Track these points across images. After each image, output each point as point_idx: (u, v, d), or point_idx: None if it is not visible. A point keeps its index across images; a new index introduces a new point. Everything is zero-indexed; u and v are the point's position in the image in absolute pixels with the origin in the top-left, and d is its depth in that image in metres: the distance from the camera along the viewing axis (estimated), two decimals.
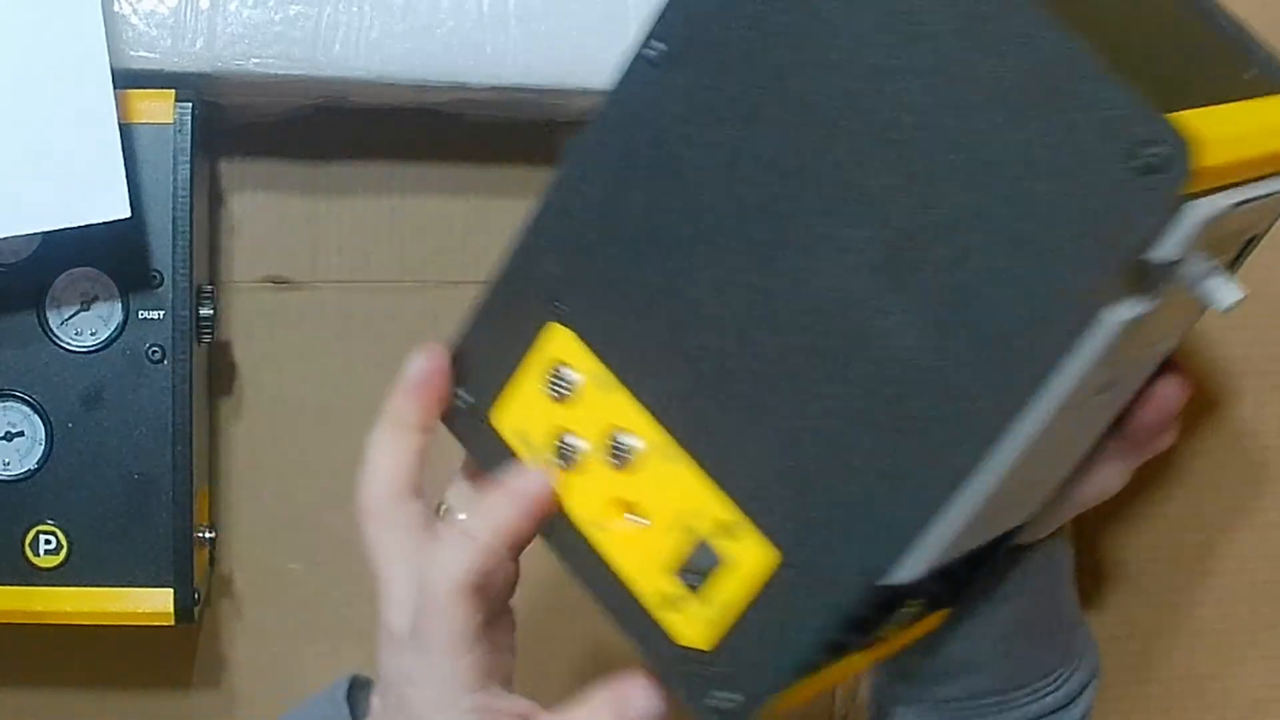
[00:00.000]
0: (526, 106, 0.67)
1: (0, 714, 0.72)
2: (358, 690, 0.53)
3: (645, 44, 0.41)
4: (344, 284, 0.72)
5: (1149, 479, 0.76)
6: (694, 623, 0.43)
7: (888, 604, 0.46)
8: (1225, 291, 0.37)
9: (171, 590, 0.63)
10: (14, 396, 0.62)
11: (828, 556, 0.40)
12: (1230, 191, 0.38)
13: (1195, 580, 0.81)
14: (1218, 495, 0.79)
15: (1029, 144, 0.36)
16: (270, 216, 0.71)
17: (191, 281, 0.62)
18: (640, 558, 0.44)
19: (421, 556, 0.47)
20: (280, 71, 0.60)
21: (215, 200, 0.70)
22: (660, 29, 0.41)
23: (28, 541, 0.62)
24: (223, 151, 0.70)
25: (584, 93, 0.63)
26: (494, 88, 0.62)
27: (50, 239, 0.60)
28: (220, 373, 0.71)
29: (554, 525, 0.46)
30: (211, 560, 0.69)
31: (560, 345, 0.44)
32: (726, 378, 0.41)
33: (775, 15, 0.40)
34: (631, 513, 0.44)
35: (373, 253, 0.72)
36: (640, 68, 0.41)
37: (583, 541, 0.45)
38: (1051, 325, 0.36)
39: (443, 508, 0.49)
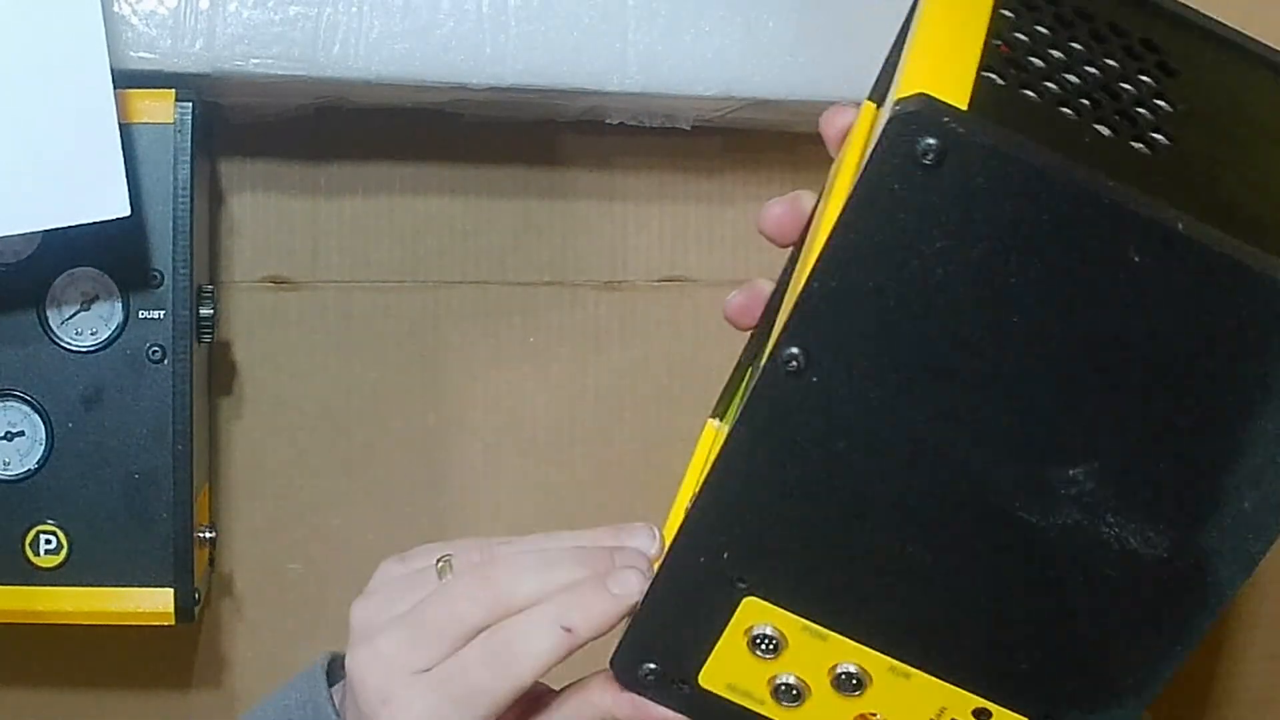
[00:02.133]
0: (526, 106, 0.67)
1: (0, 714, 0.72)
2: (337, 667, 0.53)
3: (781, 354, 0.40)
4: (344, 284, 0.72)
5: None
6: None
7: None
8: None
9: (171, 590, 0.63)
10: (14, 396, 0.62)
11: (1085, 716, 0.43)
12: None
13: None
14: None
15: (1221, 354, 0.37)
16: (270, 216, 0.71)
17: (192, 281, 0.62)
18: None
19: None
20: (280, 72, 0.61)
21: (215, 200, 0.70)
22: (794, 337, 0.40)
23: (28, 541, 0.62)
24: (223, 151, 0.70)
25: (584, 93, 0.63)
26: (494, 88, 0.62)
27: (50, 239, 0.60)
28: (220, 373, 0.71)
29: None
30: (211, 560, 0.69)
31: (754, 613, 0.45)
32: (939, 605, 0.42)
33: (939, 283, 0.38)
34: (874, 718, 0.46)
35: (373, 253, 0.72)
36: (780, 377, 0.40)
37: None
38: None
39: (441, 563, 0.48)
